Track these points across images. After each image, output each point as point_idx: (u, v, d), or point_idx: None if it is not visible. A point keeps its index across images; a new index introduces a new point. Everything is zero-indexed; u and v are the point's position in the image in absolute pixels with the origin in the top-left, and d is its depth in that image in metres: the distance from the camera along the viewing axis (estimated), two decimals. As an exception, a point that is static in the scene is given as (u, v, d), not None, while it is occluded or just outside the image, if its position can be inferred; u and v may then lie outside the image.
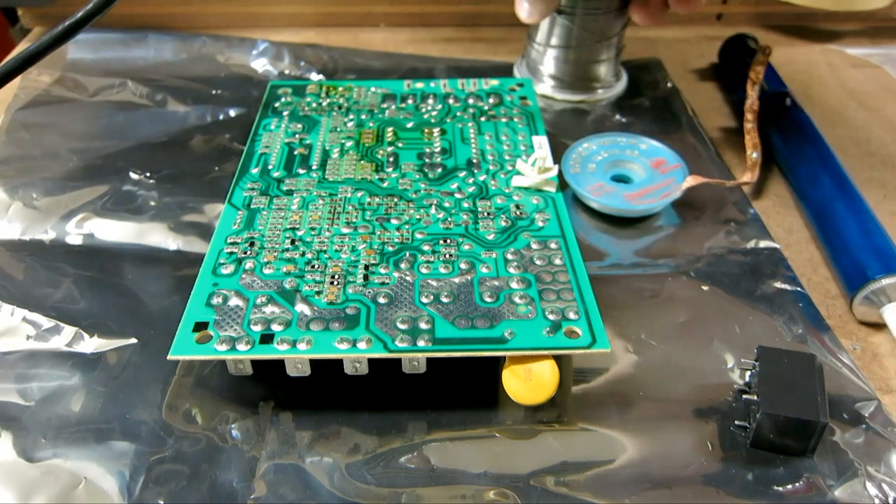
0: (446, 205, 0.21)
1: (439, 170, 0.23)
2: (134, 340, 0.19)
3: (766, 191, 0.25)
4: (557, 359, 0.17)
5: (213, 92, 0.29)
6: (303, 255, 0.19)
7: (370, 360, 0.17)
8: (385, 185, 0.22)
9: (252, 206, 0.21)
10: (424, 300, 0.18)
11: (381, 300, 0.18)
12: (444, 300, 0.18)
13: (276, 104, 0.27)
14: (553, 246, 0.20)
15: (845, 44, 0.35)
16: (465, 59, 0.32)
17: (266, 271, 0.19)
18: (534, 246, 0.20)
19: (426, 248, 0.20)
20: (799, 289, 0.21)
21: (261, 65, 0.31)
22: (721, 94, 0.31)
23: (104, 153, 0.26)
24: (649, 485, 0.16)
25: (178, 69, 0.30)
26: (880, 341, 0.20)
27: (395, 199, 0.22)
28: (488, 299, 0.18)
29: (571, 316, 0.17)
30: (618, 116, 0.29)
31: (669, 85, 0.31)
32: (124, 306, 0.20)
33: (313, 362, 0.17)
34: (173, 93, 0.29)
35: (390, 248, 0.20)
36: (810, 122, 0.26)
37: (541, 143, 0.24)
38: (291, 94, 0.27)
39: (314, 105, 0.27)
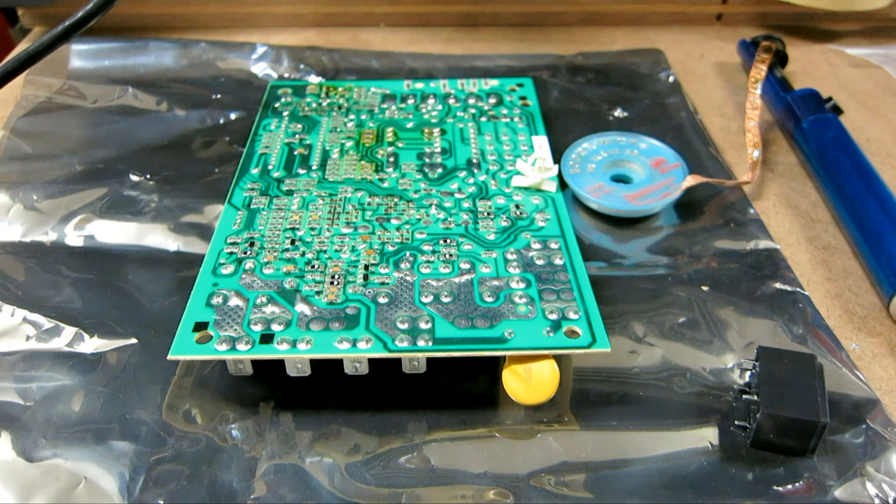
0: (446, 205, 0.21)
1: (439, 170, 0.23)
2: (134, 341, 0.19)
3: (766, 191, 0.25)
4: (557, 359, 0.17)
5: (214, 96, 0.29)
6: (303, 255, 0.19)
7: (370, 360, 0.17)
8: (385, 185, 0.22)
9: (252, 207, 0.21)
10: (424, 300, 0.18)
11: (381, 300, 0.18)
12: (444, 300, 0.18)
13: (276, 104, 0.27)
14: (553, 246, 0.20)
15: (845, 44, 0.35)
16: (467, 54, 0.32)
17: (266, 271, 0.19)
18: (534, 246, 0.20)
19: (426, 248, 0.20)
20: (799, 289, 0.21)
21: (260, 69, 0.31)
22: (723, 92, 0.31)
23: (104, 157, 0.26)
24: (649, 485, 0.16)
25: (179, 75, 0.30)
26: (880, 341, 0.20)
27: (395, 199, 0.22)
28: (488, 299, 0.18)
29: (571, 316, 0.17)
30: (618, 111, 0.29)
31: (671, 79, 0.31)
32: (124, 307, 0.20)
33: (313, 362, 0.17)
34: (174, 98, 0.29)
35: (390, 248, 0.20)
36: (841, 124, 0.26)
37: (541, 143, 0.24)
38: (291, 95, 0.27)
39: (314, 105, 0.27)
